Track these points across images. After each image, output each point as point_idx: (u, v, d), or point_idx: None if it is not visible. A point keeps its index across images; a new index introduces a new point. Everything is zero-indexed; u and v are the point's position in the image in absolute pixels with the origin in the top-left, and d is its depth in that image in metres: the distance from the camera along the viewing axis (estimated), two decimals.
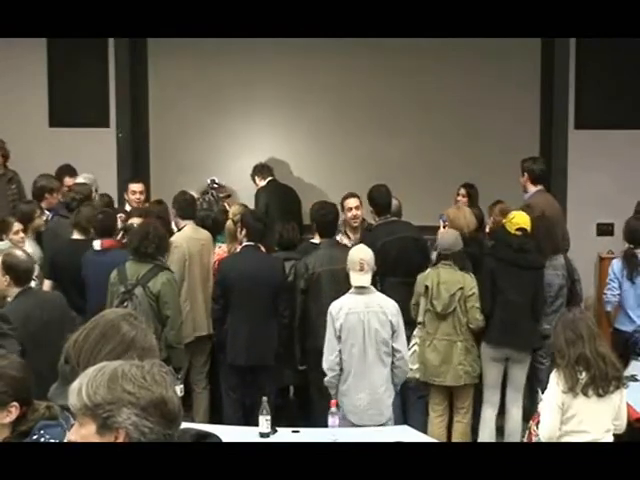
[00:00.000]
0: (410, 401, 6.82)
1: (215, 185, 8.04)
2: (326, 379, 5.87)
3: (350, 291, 5.88)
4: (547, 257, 6.70)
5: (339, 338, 5.80)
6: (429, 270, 6.55)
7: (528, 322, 6.47)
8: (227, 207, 7.77)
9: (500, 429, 6.71)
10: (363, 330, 5.79)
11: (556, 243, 6.87)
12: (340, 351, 5.81)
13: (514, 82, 9.32)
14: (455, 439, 6.60)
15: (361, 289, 5.84)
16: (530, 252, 6.54)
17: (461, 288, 6.43)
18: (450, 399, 6.63)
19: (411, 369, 6.53)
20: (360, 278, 5.83)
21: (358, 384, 5.81)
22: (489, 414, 6.56)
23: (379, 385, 5.84)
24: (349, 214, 7.35)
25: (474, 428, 6.67)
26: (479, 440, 6.57)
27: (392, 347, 5.85)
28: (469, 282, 6.47)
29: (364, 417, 5.82)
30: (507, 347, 6.47)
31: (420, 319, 6.55)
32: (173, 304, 6.23)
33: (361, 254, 5.89)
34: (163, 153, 9.63)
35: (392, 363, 5.87)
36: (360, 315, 5.80)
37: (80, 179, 7.83)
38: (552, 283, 6.70)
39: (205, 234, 7.12)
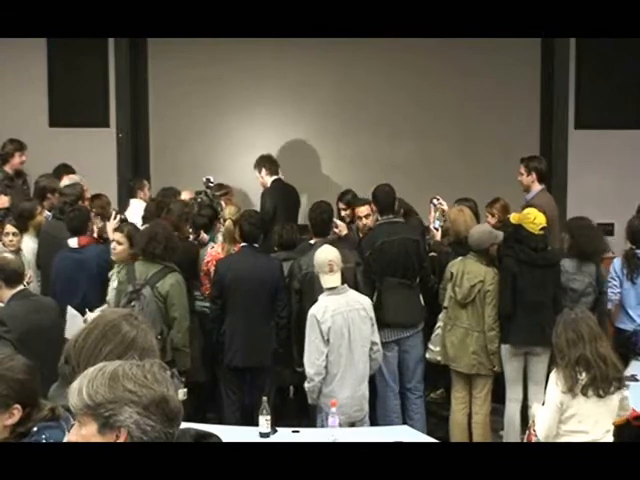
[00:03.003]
0: (410, 401, 6.84)
1: (211, 184, 8.00)
2: (312, 384, 5.79)
3: (325, 293, 5.85)
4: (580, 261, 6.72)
5: (327, 341, 5.75)
6: (459, 259, 6.68)
7: (550, 319, 6.41)
8: (224, 206, 7.74)
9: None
10: (348, 329, 5.81)
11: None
12: (327, 354, 5.77)
13: (514, 82, 9.33)
14: (475, 430, 6.68)
15: (334, 289, 5.83)
16: (547, 250, 6.57)
17: (481, 281, 6.53)
18: (470, 388, 6.72)
19: (432, 350, 6.77)
20: (331, 279, 5.83)
21: (344, 383, 5.81)
22: (512, 409, 6.59)
23: (362, 381, 5.90)
24: (360, 223, 7.33)
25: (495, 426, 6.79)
26: (504, 436, 6.62)
27: (371, 341, 5.92)
28: (490, 277, 6.55)
29: (350, 414, 5.82)
30: (531, 345, 6.50)
31: (445, 304, 6.73)
32: (180, 306, 6.22)
33: (329, 255, 5.86)
34: (163, 153, 9.63)
35: (369, 357, 5.94)
36: (344, 315, 5.81)
37: (67, 180, 7.84)
38: (576, 289, 6.72)
39: None
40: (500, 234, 6.71)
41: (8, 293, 5.40)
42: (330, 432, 5.23)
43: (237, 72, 9.48)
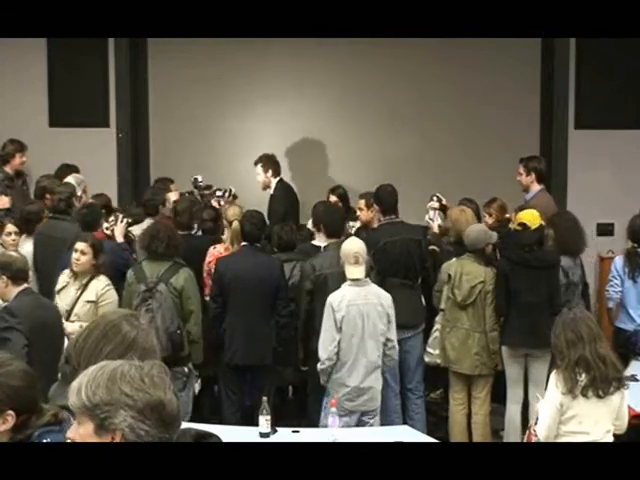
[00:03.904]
0: (411, 401, 6.84)
1: (200, 184, 7.94)
2: (323, 367, 5.98)
3: (347, 283, 5.99)
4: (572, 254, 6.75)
5: (340, 329, 5.91)
6: (454, 259, 6.68)
7: (546, 320, 6.38)
8: (216, 205, 7.72)
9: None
10: (362, 321, 5.94)
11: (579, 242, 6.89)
12: (339, 341, 5.93)
13: (514, 82, 9.33)
14: (475, 431, 6.70)
15: (357, 281, 5.97)
16: (541, 250, 6.55)
17: (482, 282, 6.55)
18: (469, 389, 6.74)
19: (432, 354, 6.79)
20: (355, 270, 5.96)
21: (353, 372, 5.95)
22: (513, 410, 6.58)
23: (373, 373, 5.99)
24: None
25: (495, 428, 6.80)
26: (504, 436, 6.62)
27: (386, 337, 6.02)
28: (490, 277, 6.57)
29: (358, 402, 5.96)
30: (528, 347, 6.50)
31: (442, 306, 6.73)
32: (195, 299, 6.35)
33: (355, 247, 6.00)
34: (163, 153, 9.62)
35: (383, 352, 6.04)
36: (360, 307, 5.95)
37: (69, 179, 7.84)
38: (576, 282, 6.81)
39: None
40: (494, 235, 6.72)
41: (14, 290, 5.46)
42: (330, 432, 5.25)
43: (237, 72, 9.48)
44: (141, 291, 6.17)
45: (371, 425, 5.99)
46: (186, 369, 6.25)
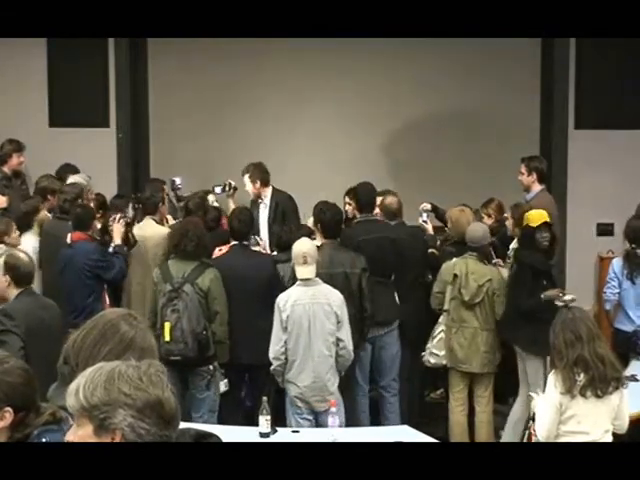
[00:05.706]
0: (384, 399, 6.85)
1: (178, 186, 7.88)
2: (272, 367, 6.04)
3: (297, 283, 6.04)
4: None
5: (285, 329, 5.95)
6: (455, 260, 6.71)
7: (513, 316, 6.50)
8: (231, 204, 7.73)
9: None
10: (309, 321, 5.95)
11: None
12: (286, 341, 5.96)
13: (514, 82, 9.33)
14: (479, 429, 6.72)
15: (307, 281, 5.99)
16: (519, 249, 6.62)
17: (489, 280, 6.60)
18: (470, 389, 6.77)
19: (437, 355, 6.79)
20: (304, 270, 5.99)
21: (302, 372, 5.97)
22: (514, 408, 6.60)
23: (324, 373, 5.99)
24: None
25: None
26: (503, 435, 6.64)
27: (336, 337, 6.00)
28: (497, 275, 6.65)
29: (311, 403, 5.98)
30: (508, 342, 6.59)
31: (446, 307, 6.74)
32: (222, 299, 6.33)
33: (304, 248, 6.04)
34: (163, 153, 9.63)
35: (336, 352, 6.03)
36: (306, 307, 5.96)
37: (72, 179, 7.83)
38: None
39: (152, 230, 7.07)
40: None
41: (15, 291, 5.44)
42: (330, 432, 5.24)
43: (237, 72, 9.48)
44: (167, 291, 6.16)
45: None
46: (211, 367, 6.25)
